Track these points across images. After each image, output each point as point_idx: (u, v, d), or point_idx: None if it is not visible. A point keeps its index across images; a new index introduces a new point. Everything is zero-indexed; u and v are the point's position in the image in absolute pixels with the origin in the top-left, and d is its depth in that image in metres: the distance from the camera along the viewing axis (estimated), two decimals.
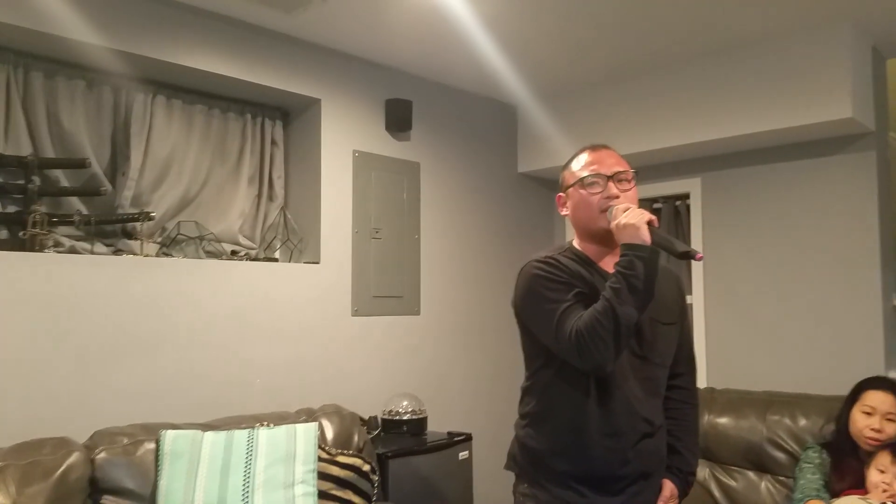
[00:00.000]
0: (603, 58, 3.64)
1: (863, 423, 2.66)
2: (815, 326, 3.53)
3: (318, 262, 3.38)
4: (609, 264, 1.78)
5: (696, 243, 3.96)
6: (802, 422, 3.07)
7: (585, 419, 1.72)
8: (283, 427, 2.64)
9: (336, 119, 3.47)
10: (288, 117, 3.59)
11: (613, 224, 1.68)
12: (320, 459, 2.64)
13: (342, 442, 2.87)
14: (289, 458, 2.54)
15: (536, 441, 1.81)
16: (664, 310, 1.84)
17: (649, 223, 1.65)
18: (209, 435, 2.51)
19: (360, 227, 3.54)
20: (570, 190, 1.84)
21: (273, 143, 3.53)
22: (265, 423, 2.70)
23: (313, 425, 2.69)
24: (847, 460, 2.67)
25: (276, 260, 3.38)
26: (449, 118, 4.03)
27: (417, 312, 3.78)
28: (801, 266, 3.59)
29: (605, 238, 1.79)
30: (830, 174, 3.52)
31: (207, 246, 3.21)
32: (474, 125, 4.18)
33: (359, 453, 2.84)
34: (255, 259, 3.31)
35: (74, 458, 2.27)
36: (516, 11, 3.07)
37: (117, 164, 3.04)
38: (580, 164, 1.83)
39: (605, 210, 1.75)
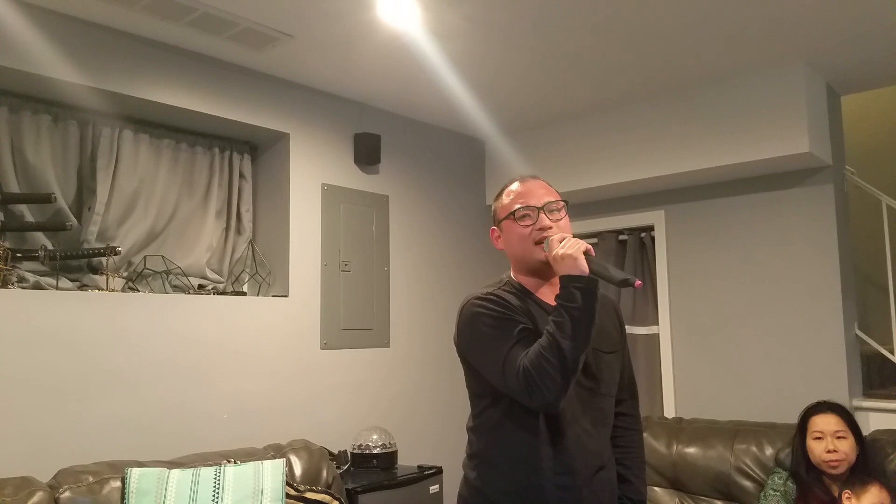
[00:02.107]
0: (568, 95, 3.72)
1: (819, 450, 2.74)
2: (779, 356, 3.59)
3: (286, 296, 3.37)
4: (546, 294, 1.78)
5: (661, 274, 4.03)
6: (769, 450, 3.11)
7: (538, 459, 1.68)
8: (251, 464, 2.61)
9: (305, 153, 3.49)
10: (256, 151, 3.60)
11: (551, 256, 1.66)
12: (288, 496, 2.61)
13: (311, 478, 2.84)
14: (256, 495, 2.51)
15: (487, 483, 1.75)
16: (605, 338, 1.82)
17: (586, 252, 1.62)
18: (175, 472, 2.47)
19: (329, 259, 3.54)
20: (503, 223, 1.81)
21: (241, 176, 3.53)
22: (232, 459, 2.66)
23: (281, 461, 2.67)
24: (814, 491, 2.72)
25: (244, 294, 3.37)
26: (418, 152, 4.08)
27: (387, 345, 3.78)
28: (765, 296, 3.66)
29: (540, 270, 1.77)
30: (791, 206, 3.62)
31: (174, 280, 3.18)
32: (443, 159, 4.23)
33: (327, 489, 2.82)
34: (223, 293, 3.29)
35: (37, 497, 2.21)
36: (483, 51, 3.14)
37: (83, 199, 3.02)
38: (511, 197, 1.80)
39: (539, 242, 1.73)
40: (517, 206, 1.76)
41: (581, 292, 1.57)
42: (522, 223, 1.75)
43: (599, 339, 1.75)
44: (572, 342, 1.54)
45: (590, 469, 1.72)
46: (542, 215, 1.74)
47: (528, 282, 1.81)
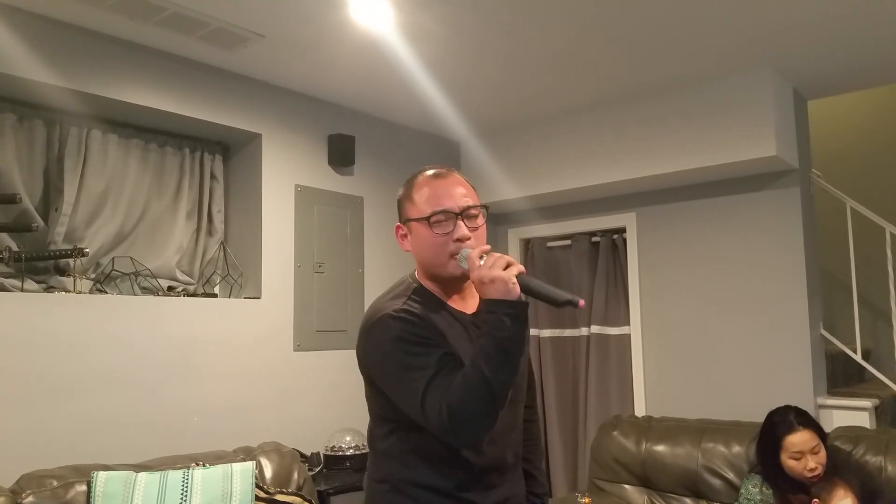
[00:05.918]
0: (541, 99, 3.75)
1: (800, 468, 2.72)
2: (746, 355, 3.65)
3: (258, 298, 3.35)
4: (458, 302, 1.60)
5: (633, 275, 4.07)
6: (736, 448, 3.16)
7: (458, 488, 1.52)
8: (220, 467, 2.60)
9: (278, 153, 3.48)
10: (228, 151, 3.58)
11: (473, 275, 1.42)
12: (258, 499, 2.60)
13: (281, 480, 2.83)
14: (225, 498, 2.49)
15: None
16: None
17: (518, 272, 1.40)
18: (143, 476, 2.45)
19: (303, 261, 3.53)
20: (413, 224, 1.57)
21: (213, 177, 3.51)
22: (201, 462, 2.64)
23: (250, 464, 2.66)
24: (798, 495, 2.71)
25: (215, 296, 3.34)
26: (392, 153, 4.07)
27: None
28: (733, 297, 3.72)
29: (452, 282, 1.58)
30: (758, 209, 3.67)
31: (143, 282, 3.15)
32: (418, 160, 4.23)
33: (298, 491, 2.81)
34: (193, 295, 3.26)
35: None
36: (456, 54, 3.14)
37: (50, 200, 2.98)
38: (423, 197, 1.55)
39: (455, 254, 1.51)
40: (431, 211, 1.52)
41: (512, 319, 1.36)
42: (437, 230, 1.52)
43: None
44: (502, 376, 1.36)
45: (509, 485, 1.61)
46: (461, 223, 1.52)
47: (435, 288, 1.60)
